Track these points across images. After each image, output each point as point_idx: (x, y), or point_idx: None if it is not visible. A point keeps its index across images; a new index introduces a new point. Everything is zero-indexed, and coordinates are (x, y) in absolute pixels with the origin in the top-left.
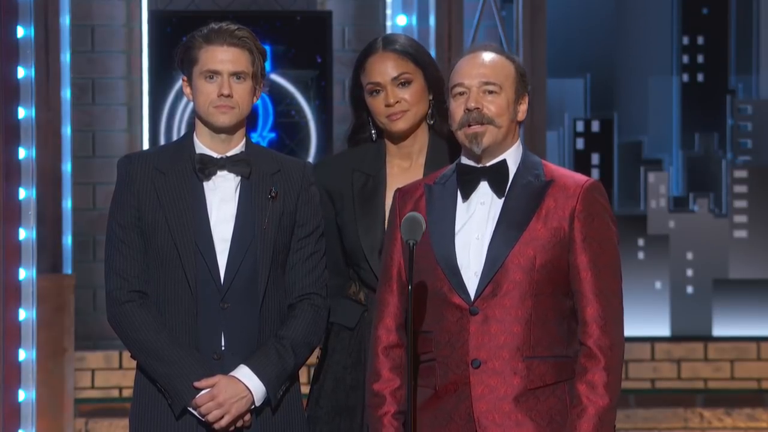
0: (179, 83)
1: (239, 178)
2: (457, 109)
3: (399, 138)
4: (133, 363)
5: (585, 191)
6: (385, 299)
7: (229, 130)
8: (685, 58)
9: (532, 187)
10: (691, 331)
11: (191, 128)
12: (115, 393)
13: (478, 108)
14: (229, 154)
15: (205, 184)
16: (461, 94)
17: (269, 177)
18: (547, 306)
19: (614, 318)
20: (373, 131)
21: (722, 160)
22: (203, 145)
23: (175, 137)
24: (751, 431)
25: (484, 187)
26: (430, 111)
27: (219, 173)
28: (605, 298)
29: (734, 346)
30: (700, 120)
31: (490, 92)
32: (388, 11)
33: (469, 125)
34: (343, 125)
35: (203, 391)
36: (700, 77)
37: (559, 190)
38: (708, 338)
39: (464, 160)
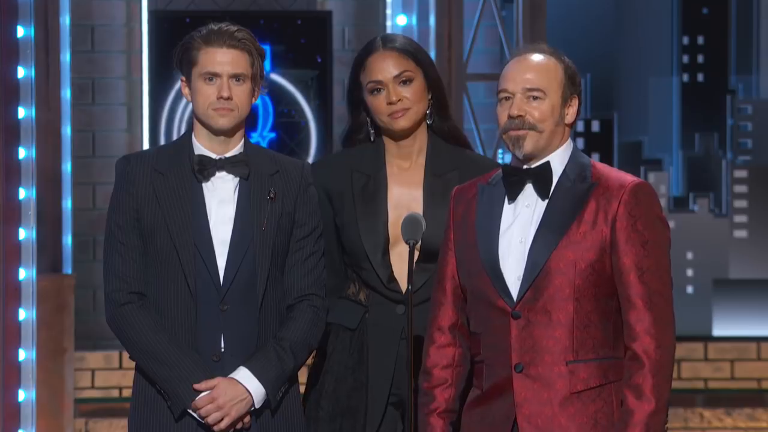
0: (179, 83)
1: (238, 179)
2: (502, 114)
3: (399, 137)
4: (133, 363)
5: (628, 193)
6: (438, 300)
7: (228, 132)
8: (685, 58)
9: (576, 189)
10: (691, 331)
11: (190, 129)
12: (115, 393)
13: (521, 115)
14: (227, 155)
15: (204, 185)
16: (506, 99)
17: (268, 178)
18: (590, 309)
19: (660, 320)
20: (371, 131)
21: (722, 160)
22: (202, 146)
23: (175, 137)
24: (751, 431)
25: (529, 189)
26: (429, 111)
27: (218, 174)
28: (650, 301)
29: (734, 346)
30: (700, 120)
31: (535, 98)
32: (388, 11)
33: (512, 131)
34: (343, 125)
35: (203, 394)
36: (700, 77)
37: (602, 192)
38: (708, 338)
39: (512, 162)
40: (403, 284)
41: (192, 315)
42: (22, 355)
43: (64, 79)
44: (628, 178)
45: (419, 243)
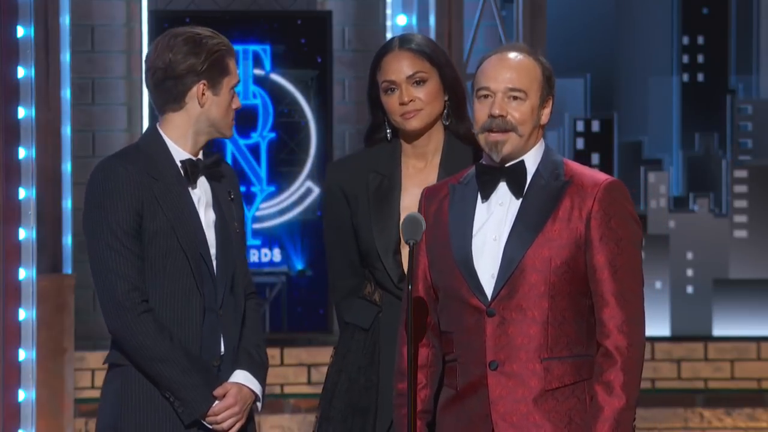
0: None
1: (208, 182)
2: (481, 112)
3: (413, 137)
4: None
5: (602, 190)
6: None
7: None
8: (685, 58)
9: (550, 187)
10: (691, 331)
11: (155, 131)
12: None
13: (502, 115)
14: (200, 157)
15: (190, 189)
16: (486, 97)
17: (222, 179)
18: (565, 306)
19: (632, 318)
20: (388, 131)
21: (722, 160)
22: (181, 150)
23: None
24: (751, 431)
25: (503, 187)
26: (445, 111)
27: (200, 178)
28: (622, 298)
29: (734, 346)
30: (700, 120)
31: (515, 98)
32: (388, 11)
33: (491, 131)
34: (343, 125)
35: (217, 401)
36: (700, 77)
37: (576, 190)
38: (708, 338)
39: (484, 161)
40: None
41: (199, 320)
42: (22, 355)
43: (64, 79)
44: (602, 176)
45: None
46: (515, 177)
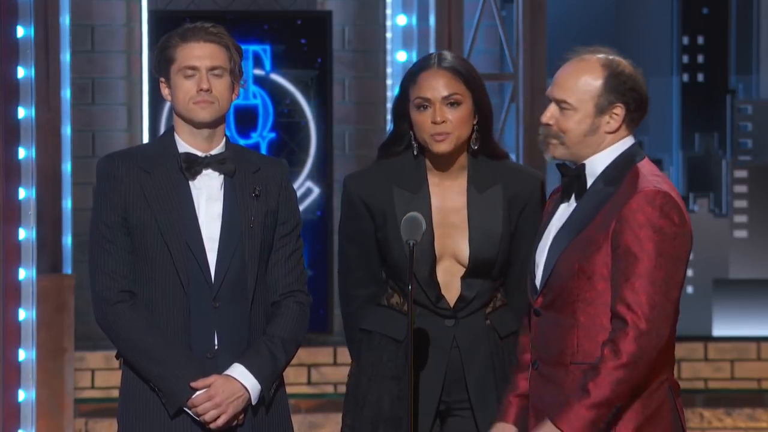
0: None
1: (222, 176)
2: (541, 118)
3: (440, 156)
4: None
5: (633, 198)
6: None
7: (210, 125)
8: (685, 58)
9: (600, 193)
10: (691, 331)
11: (170, 128)
12: (115, 393)
13: (548, 124)
14: (212, 152)
15: (191, 183)
16: (549, 101)
17: (251, 175)
18: (593, 313)
19: (641, 326)
20: (414, 145)
21: (722, 160)
22: (186, 144)
23: None
24: (751, 431)
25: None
26: (474, 135)
27: (204, 172)
28: (629, 308)
29: (734, 346)
30: (700, 120)
31: (563, 109)
32: (388, 11)
33: (543, 135)
34: (343, 125)
35: (199, 392)
36: (700, 77)
37: (619, 197)
38: (708, 338)
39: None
40: (451, 299)
41: (185, 313)
42: (22, 355)
43: (64, 79)
44: (649, 185)
45: (417, 243)
46: (577, 181)
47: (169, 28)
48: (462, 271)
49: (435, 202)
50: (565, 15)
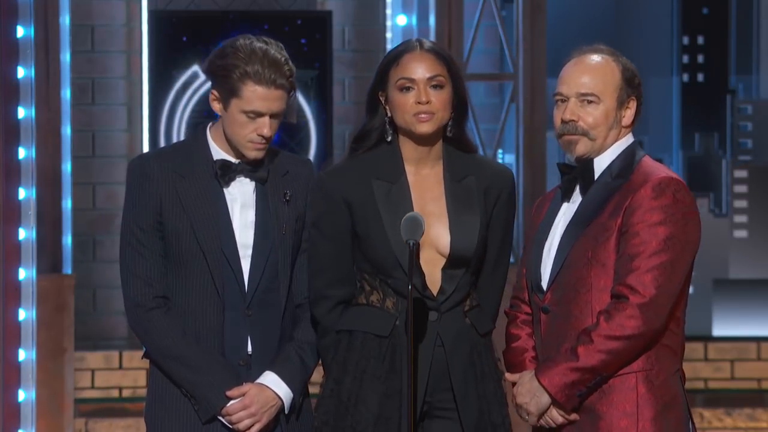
0: (179, 83)
1: (254, 182)
2: (556, 117)
3: (418, 142)
4: (133, 363)
5: (641, 187)
6: (517, 303)
7: None
8: (685, 58)
9: (608, 186)
10: (691, 331)
11: (203, 130)
12: (115, 393)
13: (573, 120)
14: (245, 159)
15: (224, 189)
16: (561, 101)
17: (281, 179)
18: (607, 301)
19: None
20: (389, 130)
21: (722, 160)
22: (221, 150)
23: (175, 137)
24: (751, 431)
25: (578, 187)
26: (450, 122)
27: (237, 179)
28: (632, 287)
29: (734, 346)
30: (700, 120)
31: (589, 102)
32: (388, 11)
33: (564, 135)
34: (343, 125)
35: (234, 401)
36: (700, 77)
37: (628, 187)
38: (708, 338)
39: (565, 160)
40: (434, 290)
41: (219, 320)
42: (22, 355)
43: (64, 79)
44: (657, 175)
45: (418, 242)
46: (584, 176)
47: (169, 28)
48: (443, 261)
49: (413, 191)
50: (565, 15)
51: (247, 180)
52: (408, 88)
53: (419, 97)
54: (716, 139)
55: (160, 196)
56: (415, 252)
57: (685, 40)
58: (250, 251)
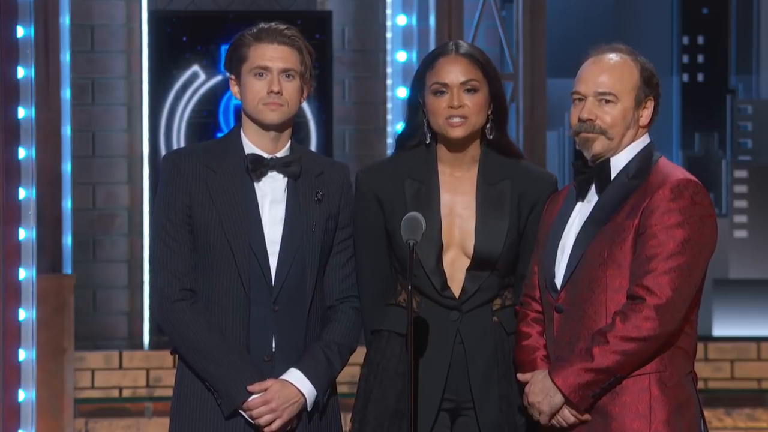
0: (179, 83)
1: (286, 179)
2: (573, 115)
3: (453, 145)
4: (133, 363)
5: (659, 188)
6: (528, 301)
7: (278, 128)
8: (685, 58)
9: (625, 186)
10: None
11: (237, 126)
12: (115, 393)
13: (591, 119)
14: (278, 155)
15: (255, 184)
16: (579, 100)
17: (314, 178)
18: (622, 302)
19: (657, 307)
20: (427, 133)
21: (722, 160)
22: (252, 144)
23: (174, 137)
24: (751, 431)
25: (593, 186)
26: (489, 125)
27: (269, 174)
28: (649, 289)
29: (734, 346)
30: (700, 120)
31: (607, 101)
32: (388, 11)
33: (581, 133)
34: (343, 125)
35: (256, 396)
36: (700, 77)
37: (645, 190)
38: (708, 338)
39: (580, 160)
40: (456, 291)
41: (245, 315)
42: (22, 355)
43: (64, 79)
44: (675, 176)
45: (417, 243)
46: (600, 175)
47: (169, 28)
48: (468, 263)
49: (444, 192)
50: (565, 15)
51: (280, 176)
52: (441, 92)
53: (452, 101)
54: (716, 139)
55: (190, 190)
56: (414, 252)
57: (685, 40)
58: (278, 247)
